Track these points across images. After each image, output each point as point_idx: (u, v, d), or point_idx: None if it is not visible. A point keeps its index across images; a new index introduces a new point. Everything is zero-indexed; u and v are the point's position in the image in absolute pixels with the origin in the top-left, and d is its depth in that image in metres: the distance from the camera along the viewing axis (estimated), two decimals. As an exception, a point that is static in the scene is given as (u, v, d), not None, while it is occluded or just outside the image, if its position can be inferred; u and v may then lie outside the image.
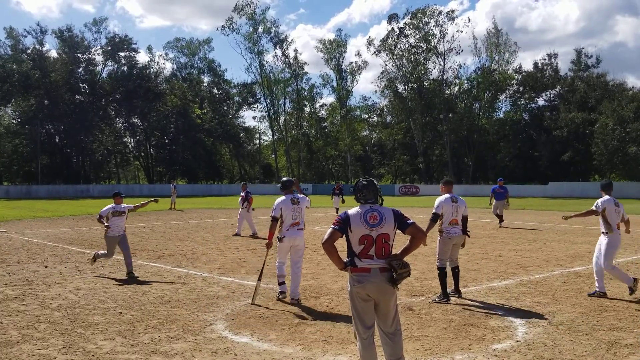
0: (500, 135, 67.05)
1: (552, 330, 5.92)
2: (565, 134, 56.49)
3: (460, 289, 7.66)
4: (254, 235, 15.44)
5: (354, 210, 4.33)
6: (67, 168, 63.53)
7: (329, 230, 4.26)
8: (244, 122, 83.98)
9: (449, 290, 7.44)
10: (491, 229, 17.63)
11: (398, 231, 4.35)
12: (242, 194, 16.38)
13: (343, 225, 4.25)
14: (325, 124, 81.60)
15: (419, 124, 67.23)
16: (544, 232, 16.63)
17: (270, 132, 77.65)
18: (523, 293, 7.82)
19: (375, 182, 4.45)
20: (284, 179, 7.81)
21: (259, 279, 7.45)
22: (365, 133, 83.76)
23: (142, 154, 73.72)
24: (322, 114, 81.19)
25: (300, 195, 7.66)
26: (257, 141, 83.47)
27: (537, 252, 12.14)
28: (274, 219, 7.33)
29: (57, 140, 65.24)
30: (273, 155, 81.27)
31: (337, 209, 24.71)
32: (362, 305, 4.23)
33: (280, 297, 7.42)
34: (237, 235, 15.75)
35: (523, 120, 67.88)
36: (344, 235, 4.26)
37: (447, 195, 7.63)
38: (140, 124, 69.98)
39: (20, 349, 5.35)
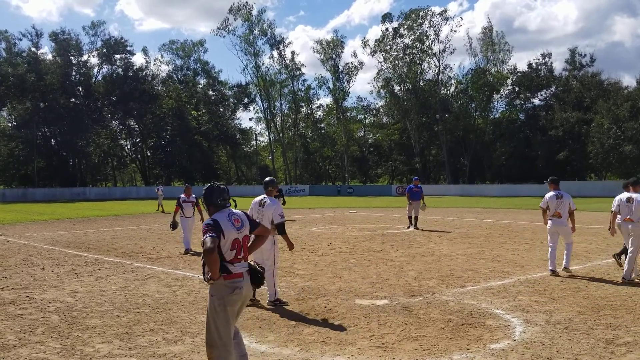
0: (497, 135, 67.21)
1: (550, 329, 5.93)
2: (560, 133, 56.69)
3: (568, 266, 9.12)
4: (187, 252, 12.34)
5: (218, 215, 4.24)
6: (63, 171, 63.30)
7: (210, 239, 3.95)
8: (240, 124, 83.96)
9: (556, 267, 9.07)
10: (488, 229, 17.66)
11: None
12: (185, 197, 12.87)
13: (219, 232, 4.09)
14: (322, 125, 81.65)
15: (415, 125, 67.34)
16: (541, 232, 16.64)
17: (267, 133, 77.78)
18: (520, 292, 7.83)
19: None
20: (266, 179, 7.62)
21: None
22: (361, 134, 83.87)
23: (139, 156, 73.60)
24: (319, 115, 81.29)
25: (269, 199, 7.33)
26: (254, 142, 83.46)
27: (534, 251, 12.17)
28: None
29: (53, 143, 65.00)
30: (270, 157, 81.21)
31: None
32: (234, 310, 4.20)
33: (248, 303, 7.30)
34: (189, 252, 12.39)
35: (519, 120, 68.07)
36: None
37: (553, 192, 9.20)
38: (136, 126, 69.86)
39: (18, 352, 5.33)
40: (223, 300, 4.13)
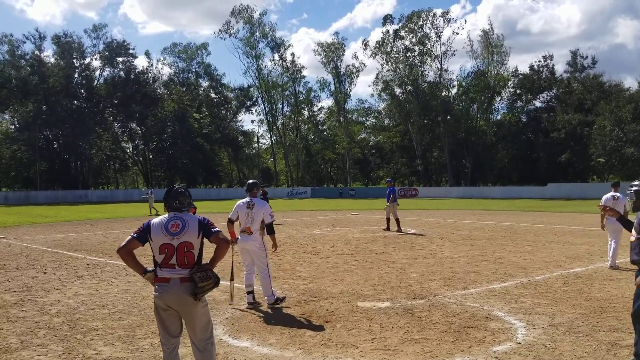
0: (499, 137, 67.16)
1: (553, 332, 5.92)
2: (562, 135, 56.62)
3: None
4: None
5: (157, 218, 4.28)
6: (65, 173, 63.39)
7: (127, 238, 4.24)
8: (242, 126, 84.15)
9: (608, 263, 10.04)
10: (490, 231, 17.63)
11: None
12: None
13: (143, 234, 4.24)
14: (324, 127, 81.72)
15: (417, 127, 67.31)
16: (543, 234, 16.64)
17: (269, 135, 77.88)
18: (523, 294, 7.81)
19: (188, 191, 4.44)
20: (249, 181, 7.66)
21: (231, 279, 7.27)
22: (363, 136, 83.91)
23: (141, 159, 73.69)
24: (321, 118, 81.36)
25: (255, 201, 7.35)
26: (256, 145, 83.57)
27: (537, 253, 12.15)
28: (229, 221, 7.35)
29: (55, 146, 65.13)
30: (272, 159, 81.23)
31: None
32: (163, 315, 4.14)
33: (248, 306, 7.23)
34: None
35: (521, 122, 68.04)
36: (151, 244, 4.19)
37: (611, 193, 10.25)
38: (138, 129, 69.98)
39: (20, 355, 5.34)
40: (153, 299, 4.20)
